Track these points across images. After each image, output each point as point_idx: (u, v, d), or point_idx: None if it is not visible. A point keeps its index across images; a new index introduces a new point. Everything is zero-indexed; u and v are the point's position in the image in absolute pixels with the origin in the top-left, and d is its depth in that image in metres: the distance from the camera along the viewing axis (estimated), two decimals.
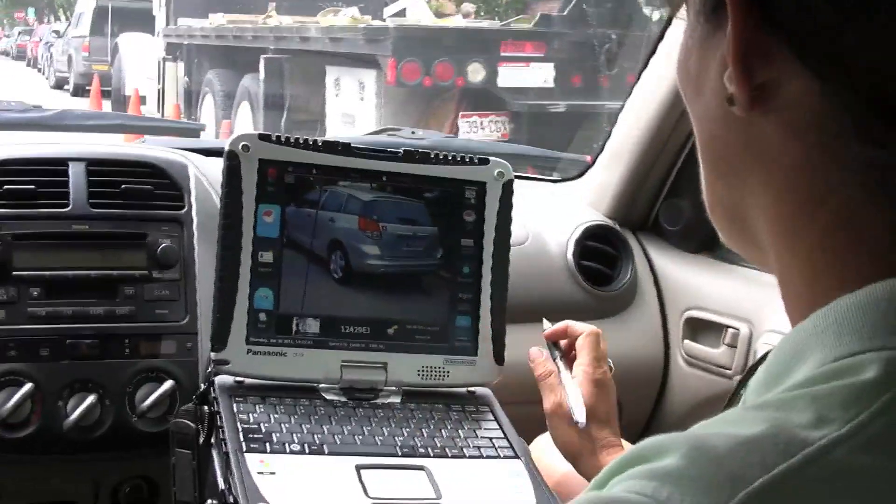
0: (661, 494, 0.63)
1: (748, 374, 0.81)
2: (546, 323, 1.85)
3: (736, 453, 0.63)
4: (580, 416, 1.65)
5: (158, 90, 16.49)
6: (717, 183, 0.82)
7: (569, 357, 1.79)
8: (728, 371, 2.25)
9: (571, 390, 1.70)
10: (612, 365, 1.77)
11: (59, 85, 28.52)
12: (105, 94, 19.67)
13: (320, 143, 1.89)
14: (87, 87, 22.28)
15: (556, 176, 2.73)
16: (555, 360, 1.77)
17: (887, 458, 0.61)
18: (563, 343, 1.83)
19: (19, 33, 50.88)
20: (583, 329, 1.79)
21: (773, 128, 0.73)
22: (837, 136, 0.70)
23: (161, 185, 2.17)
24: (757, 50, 0.71)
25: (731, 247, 0.86)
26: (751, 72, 0.72)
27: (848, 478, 0.61)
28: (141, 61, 17.99)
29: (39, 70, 35.77)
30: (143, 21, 21.39)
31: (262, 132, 1.88)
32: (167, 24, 16.33)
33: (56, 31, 31.89)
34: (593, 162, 2.62)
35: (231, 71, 14.36)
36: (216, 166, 1.94)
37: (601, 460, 1.65)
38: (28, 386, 1.97)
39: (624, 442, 1.70)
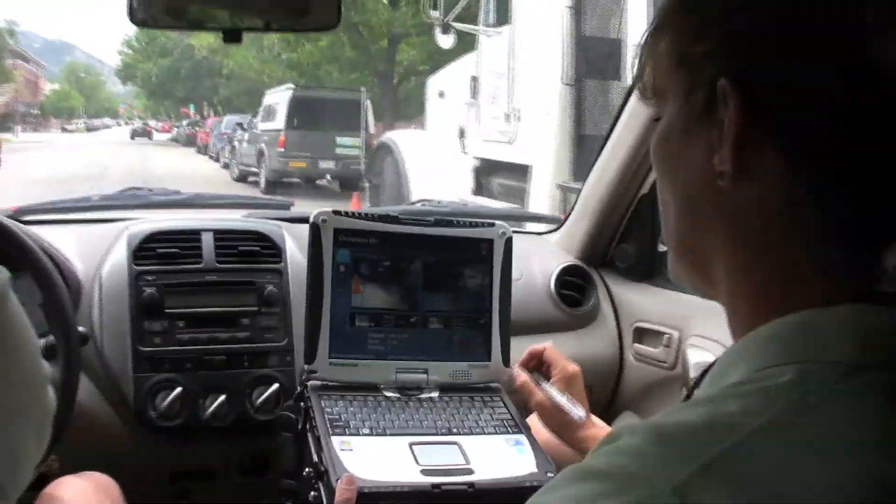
0: (625, 465, 0.62)
1: (699, 379, 0.80)
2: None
3: (685, 436, 0.62)
4: (578, 415, 1.62)
5: None
6: (686, 231, 0.78)
7: (542, 370, 1.75)
8: (665, 364, 2.24)
9: (559, 399, 1.65)
10: None
11: (243, 178, 20.94)
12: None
13: (376, 216, 1.88)
14: (283, 181, 18.28)
15: (540, 229, 2.72)
16: (538, 383, 1.70)
17: (793, 444, 0.60)
18: (533, 363, 1.78)
19: (186, 124, 46.98)
20: (542, 346, 1.78)
21: (744, 197, 0.70)
22: (794, 207, 0.69)
23: (265, 246, 2.17)
24: (750, 143, 0.69)
25: (686, 282, 0.82)
26: (740, 157, 0.69)
27: (765, 459, 0.59)
28: (446, 177, 9.32)
29: (211, 157, 29.05)
30: (346, 112, 17.67)
31: (336, 209, 1.87)
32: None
33: (240, 125, 23.44)
34: (566, 219, 2.61)
35: None
36: (303, 230, 1.94)
37: (581, 433, 1.64)
38: (178, 389, 1.97)
39: (593, 417, 1.66)
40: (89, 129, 78.89)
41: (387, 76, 22.61)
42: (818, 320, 0.67)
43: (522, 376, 1.73)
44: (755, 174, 0.69)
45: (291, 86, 19.74)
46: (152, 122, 72.59)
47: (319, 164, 18.09)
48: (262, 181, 18.65)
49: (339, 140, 17.94)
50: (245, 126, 22.19)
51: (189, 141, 39.47)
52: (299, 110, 18.28)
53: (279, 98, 19.36)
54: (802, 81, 0.66)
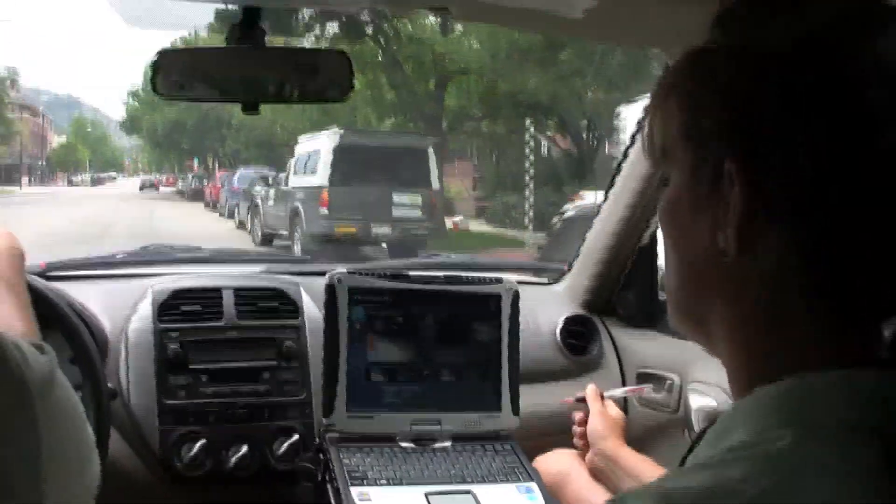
0: None
1: (698, 438, 0.81)
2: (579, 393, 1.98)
3: (689, 502, 0.62)
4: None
5: None
6: (688, 298, 0.78)
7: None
8: (667, 408, 2.26)
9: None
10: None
11: (267, 240, 16.57)
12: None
13: (389, 274, 1.93)
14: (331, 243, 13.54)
15: (544, 279, 2.75)
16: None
17: None
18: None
19: (192, 177, 43.09)
20: (586, 391, 1.93)
21: (746, 271, 0.71)
22: (791, 284, 0.70)
23: (283, 303, 2.19)
24: (753, 222, 0.69)
25: (684, 333, 0.82)
26: (743, 235, 0.70)
27: None
28: None
29: (221, 214, 25.26)
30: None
31: (350, 267, 1.92)
32: None
33: (265, 180, 18.32)
34: (569, 269, 2.65)
35: None
36: (319, 285, 1.98)
37: (607, 447, 1.80)
38: (202, 441, 1.99)
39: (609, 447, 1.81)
40: (94, 182, 76.95)
41: (435, 121, 19.46)
42: (814, 384, 0.68)
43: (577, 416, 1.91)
44: (757, 251, 0.70)
45: (337, 129, 14.99)
46: (156, 176, 70.42)
47: (372, 229, 13.94)
48: (297, 247, 14.31)
49: (396, 198, 14.18)
50: (270, 180, 17.50)
51: (195, 195, 36.03)
52: (347, 160, 13.87)
53: (320, 145, 14.62)
54: (805, 167, 0.68)
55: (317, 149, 14.72)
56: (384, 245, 14.13)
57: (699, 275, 0.76)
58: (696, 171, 0.74)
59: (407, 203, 14.26)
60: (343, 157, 13.91)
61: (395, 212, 14.15)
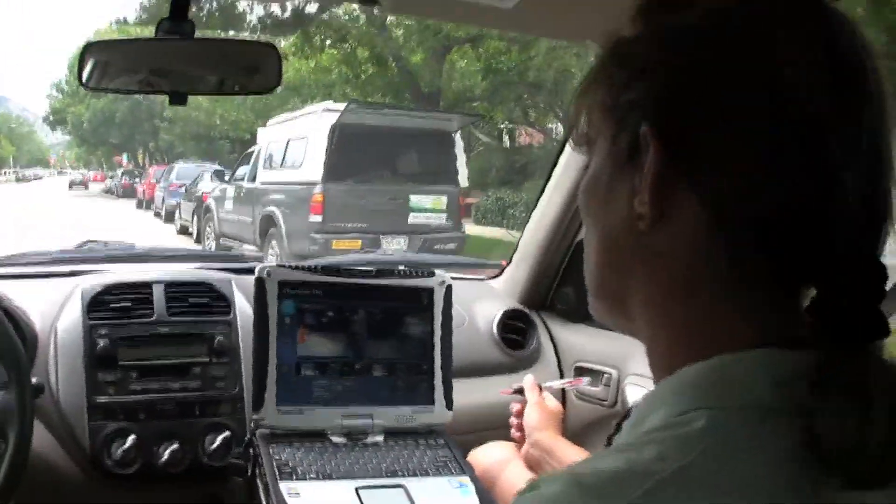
0: None
1: (619, 425, 0.80)
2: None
3: (602, 484, 0.61)
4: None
5: None
6: (606, 273, 0.78)
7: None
8: (605, 402, 2.26)
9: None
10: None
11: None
12: None
13: (320, 268, 1.91)
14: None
15: (482, 275, 2.74)
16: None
17: (704, 490, 0.60)
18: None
19: (123, 174, 39.90)
20: (524, 381, 1.93)
21: (663, 239, 0.71)
22: (709, 252, 0.69)
23: (214, 298, 2.17)
24: (667, 187, 0.69)
25: (607, 321, 0.81)
26: (658, 200, 0.70)
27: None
28: None
29: (157, 214, 22.21)
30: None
31: (280, 262, 1.91)
32: None
33: (219, 174, 14.61)
34: (506, 265, 2.65)
35: None
36: (252, 281, 1.96)
37: (543, 438, 1.80)
38: (132, 438, 1.96)
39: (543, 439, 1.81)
40: (19, 181, 69.44)
41: (431, 101, 16.45)
42: (730, 365, 0.67)
43: (515, 407, 1.92)
44: (672, 218, 0.70)
45: (333, 106, 10.73)
46: (84, 173, 65.06)
47: (383, 244, 9.97)
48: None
49: (415, 200, 10.28)
50: (227, 177, 13.54)
51: (126, 193, 32.88)
52: (349, 148, 9.74)
53: (307, 128, 10.57)
54: (718, 131, 0.68)
55: (302, 133, 10.69)
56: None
57: (616, 246, 0.76)
58: (615, 143, 0.74)
59: (428, 206, 10.41)
60: (343, 143, 9.77)
61: (413, 218, 10.29)
